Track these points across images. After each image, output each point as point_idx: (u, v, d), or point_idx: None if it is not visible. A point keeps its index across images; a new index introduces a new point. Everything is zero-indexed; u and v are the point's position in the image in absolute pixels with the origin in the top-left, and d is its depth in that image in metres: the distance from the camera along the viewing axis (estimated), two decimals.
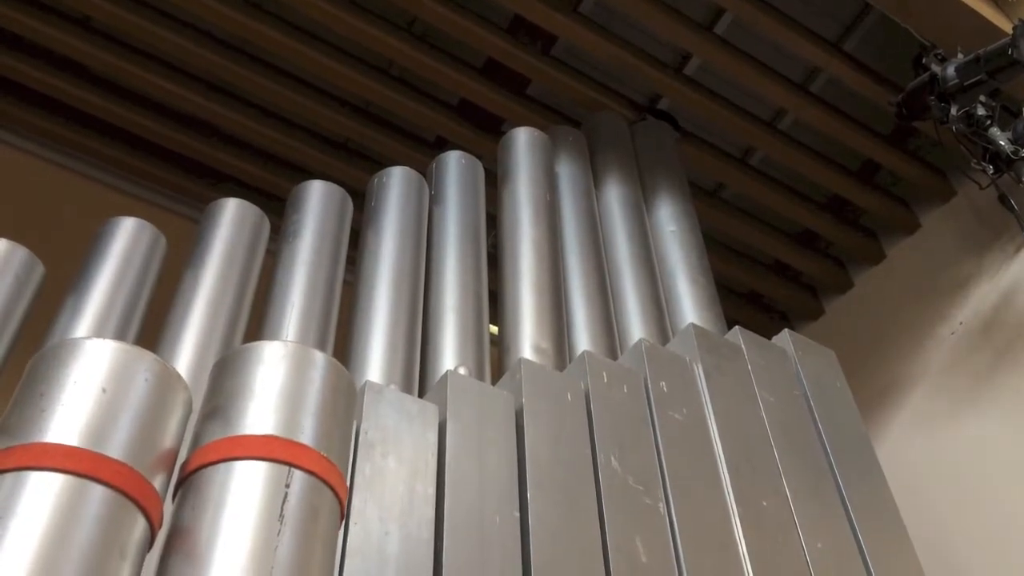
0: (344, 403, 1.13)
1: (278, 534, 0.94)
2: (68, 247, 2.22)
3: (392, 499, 1.47)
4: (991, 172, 2.78)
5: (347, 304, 2.15)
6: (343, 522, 1.16)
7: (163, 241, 2.20)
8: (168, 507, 1.07)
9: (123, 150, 3.35)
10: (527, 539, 1.53)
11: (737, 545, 1.72)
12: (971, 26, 2.83)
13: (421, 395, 1.86)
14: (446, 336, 2.04)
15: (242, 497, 0.98)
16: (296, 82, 3.21)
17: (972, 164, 2.81)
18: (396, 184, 2.44)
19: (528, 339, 2.11)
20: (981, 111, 2.74)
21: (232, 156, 3.41)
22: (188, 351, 1.83)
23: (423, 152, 3.29)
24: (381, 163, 2.67)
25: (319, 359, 1.12)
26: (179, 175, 3.43)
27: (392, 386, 1.77)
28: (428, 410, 1.66)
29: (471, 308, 2.14)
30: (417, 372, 1.98)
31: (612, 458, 1.74)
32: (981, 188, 3.03)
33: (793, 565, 1.74)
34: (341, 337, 2.07)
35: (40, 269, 1.85)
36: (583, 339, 2.24)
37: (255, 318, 2.08)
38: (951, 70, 2.69)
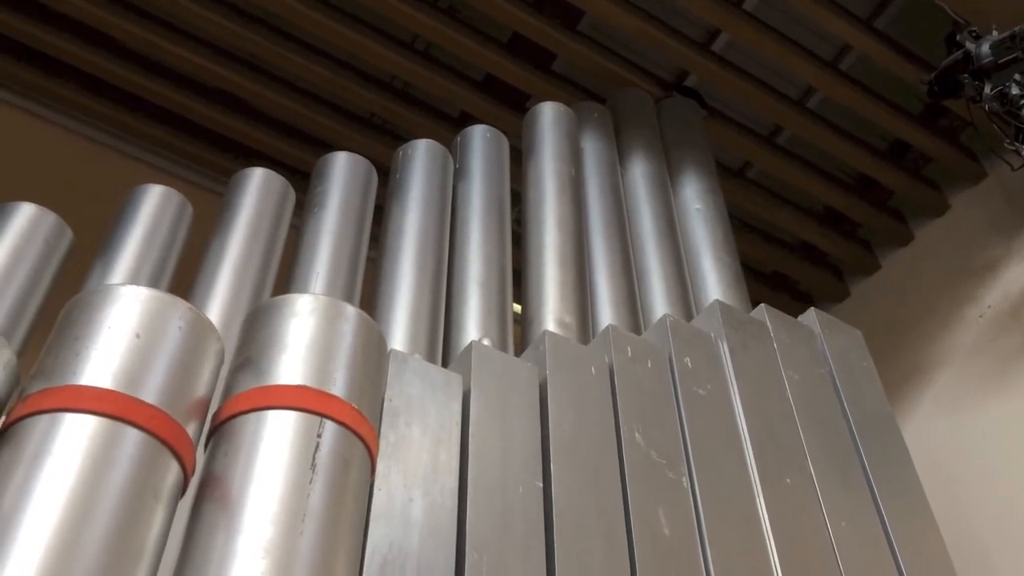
0: (375, 357, 1.13)
1: (310, 482, 0.95)
2: (97, 219, 2.22)
3: (416, 467, 1.47)
4: None
5: (370, 279, 2.15)
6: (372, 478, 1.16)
7: (190, 209, 2.20)
8: (200, 456, 1.07)
9: (150, 123, 3.36)
10: (550, 509, 1.53)
11: (760, 521, 1.72)
12: (1006, 3, 2.78)
13: (444, 366, 1.86)
14: (470, 308, 2.04)
15: (274, 446, 0.98)
16: (321, 56, 3.20)
17: (1005, 144, 2.76)
18: (421, 157, 2.44)
19: (552, 313, 2.10)
20: (1015, 90, 2.69)
21: (256, 130, 3.41)
22: (215, 315, 1.83)
23: (447, 127, 3.27)
24: (405, 138, 2.66)
25: (350, 312, 1.12)
26: (204, 148, 3.43)
27: (416, 355, 1.77)
28: (452, 380, 1.66)
29: (495, 281, 2.13)
30: (441, 343, 1.98)
31: (636, 432, 1.73)
32: (1013, 169, 2.97)
33: (817, 542, 1.73)
34: (365, 307, 2.06)
35: (69, 235, 1.86)
36: (607, 315, 2.23)
37: (280, 288, 2.08)
38: (985, 47, 2.65)
